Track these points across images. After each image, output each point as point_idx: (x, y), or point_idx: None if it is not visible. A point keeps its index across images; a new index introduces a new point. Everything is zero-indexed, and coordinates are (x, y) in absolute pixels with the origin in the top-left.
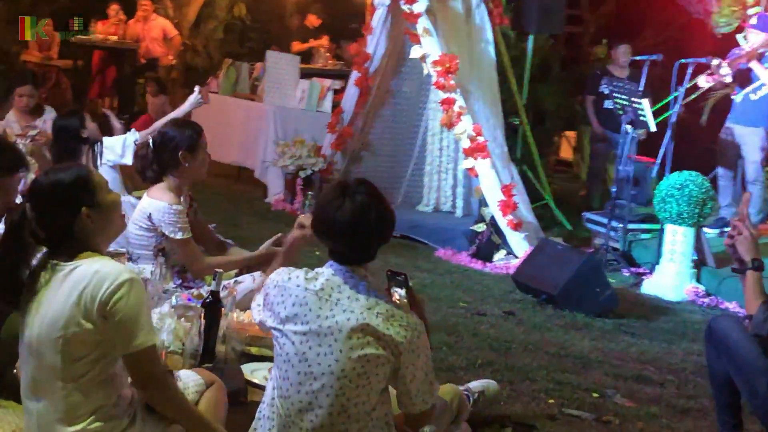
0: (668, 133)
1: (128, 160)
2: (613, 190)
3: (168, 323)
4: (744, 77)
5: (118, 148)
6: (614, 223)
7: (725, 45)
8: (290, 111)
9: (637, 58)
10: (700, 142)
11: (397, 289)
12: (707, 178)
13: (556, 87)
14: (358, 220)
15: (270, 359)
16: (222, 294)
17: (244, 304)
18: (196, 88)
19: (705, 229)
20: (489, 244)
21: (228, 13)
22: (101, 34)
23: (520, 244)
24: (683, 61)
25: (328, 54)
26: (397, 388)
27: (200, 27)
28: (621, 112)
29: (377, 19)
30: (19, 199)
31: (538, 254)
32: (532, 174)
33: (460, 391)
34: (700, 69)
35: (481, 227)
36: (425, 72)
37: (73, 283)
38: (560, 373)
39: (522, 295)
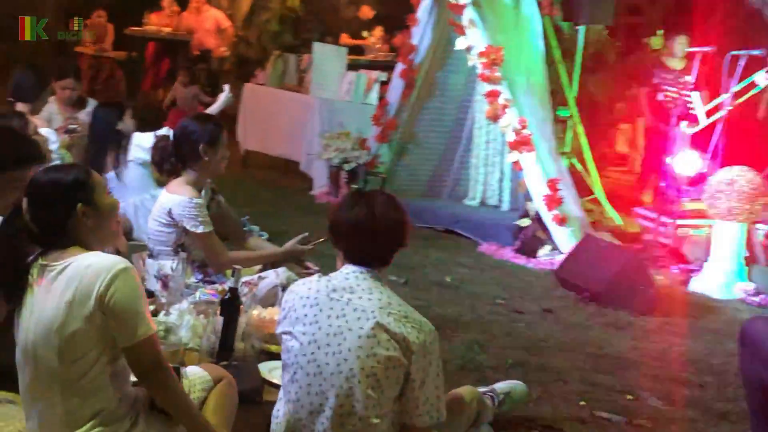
0: (719, 127)
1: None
2: (662, 184)
3: (187, 320)
4: None
5: (146, 145)
6: (664, 219)
7: None
8: (336, 103)
9: (691, 49)
10: (755, 136)
11: None
12: (760, 173)
13: (610, 79)
14: (371, 221)
15: None
16: (242, 290)
17: (268, 300)
18: (226, 87)
19: (757, 225)
20: (534, 239)
21: (282, 5)
22: (155, 25)
23: (565, 240)
24: (734, 53)
25: (379, 45)
26: (404, 394)
27: (253, 18)
28: (671, 105)
29: (423, 10)
30: None
31: (581, 250)
32: (582, 168)
33: (479, 393)
34: (754, 61)
35: (525, 222)
36: (470, 63)
37: (66, 282)
38: (594, 373)
39: (564, 293)
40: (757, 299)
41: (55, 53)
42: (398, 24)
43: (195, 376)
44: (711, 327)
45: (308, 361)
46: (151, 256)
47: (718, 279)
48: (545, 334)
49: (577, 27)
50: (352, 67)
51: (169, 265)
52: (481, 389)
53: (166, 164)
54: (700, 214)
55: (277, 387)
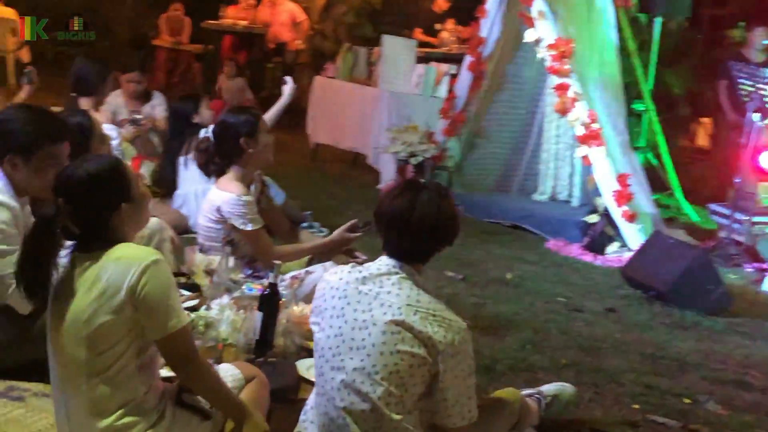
0: None
1: None
2: (737, 180)
3: (227, 315)
4: None
5: None
6: (738, 215)
7: None
8: (404, 96)
9: None
10: None
11: None
12: None
13: (687, 72)
14: (409, 215)
15: None
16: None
17: (313, 296)
18: (289, 79)
19: None
20: (602, 235)
21: None
22: (231, 19)
23: (635, 237)
24: None
25: (453, 38)
26: (432, 394)
27: (330, 11)
28: (747, 99)
29: (492, 2)
30: None
31: (648, 247)
32: (657, 162)
33: (521, 396)
34: None
35: (594, 218)
36: (539, 56)
37: (97, 273)
38: (651, 376)
39: (630, 291)
40: None
41: (135, 47)
42: (472, 16)
43: (227, 373)
44: None
45: (333, 354)
46: (201, 250)
47: None
48: (604, 334)
49: (654, 18)
50: (423, 59)
51: (217, 260)
52: (527, 391)
53: (211, 165)
54: None
55: (314, 385)
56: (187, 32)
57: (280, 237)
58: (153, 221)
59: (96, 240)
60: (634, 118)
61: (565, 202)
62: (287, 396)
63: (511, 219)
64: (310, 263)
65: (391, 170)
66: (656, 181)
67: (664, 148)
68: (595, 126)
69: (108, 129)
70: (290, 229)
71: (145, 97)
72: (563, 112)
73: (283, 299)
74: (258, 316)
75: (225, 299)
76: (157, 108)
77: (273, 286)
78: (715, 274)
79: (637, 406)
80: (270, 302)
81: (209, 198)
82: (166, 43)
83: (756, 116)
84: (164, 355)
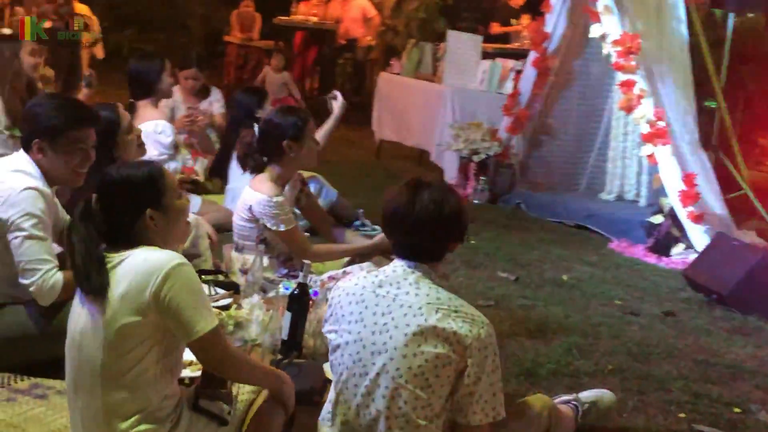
0: None
1: None
2: None
3: (256, 314)
4: None
5: None
6: None
7: None
8: (469, 92)
9: None
10: None
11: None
12: None
13: (763, 69)
14: (412, 211)
15: None
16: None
17: None
18: (338, 94)
19: None
20: (667, 237)
21: None
22: (303, 15)
23: (701, 238)
24: None
25: (525, 34)
26: (457, 390)
27: (402, 7)
28: None
29: None
30: None
31: (712, 249)
32: (729, 162)
33: (552, 403)
34: None
35: (658, 219)
36: (604, 52)
37: (121, 275)
38: (701, 383)
39: (692, 294)
40: None
41: (207, 42)
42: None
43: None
44: None
45: (354, 361)
46: (236, 249)
47: None
48: (657, 339)
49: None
50: (492, 55)
51: (251, 259)
52: (564, 397)
53: (250, 160)
54: None
55: None
56: (257, 28)
57: (322, 235)
58: (190, 218)
59: (120, 241)
60: (706, 116)
61: (633, 201)
62: (312, 398)
63: (575, 219)
64: (350, 263)
65: (454, 168)
66: (729, 181)
67: (736, 147)
68: (661, 124)
69: (163, 126)
70: (334, 228)
71: (203, 94)
72: (628, 109)
73: (312, 299)
74: (287, 316)
75: (255, 299)
76: (215, 104)
77: (302, 286)
78: None
79: (683, 415)
80: (299, 302)
81: (243, 197)
82: (236, 39)
83: None
84: (198, 358)
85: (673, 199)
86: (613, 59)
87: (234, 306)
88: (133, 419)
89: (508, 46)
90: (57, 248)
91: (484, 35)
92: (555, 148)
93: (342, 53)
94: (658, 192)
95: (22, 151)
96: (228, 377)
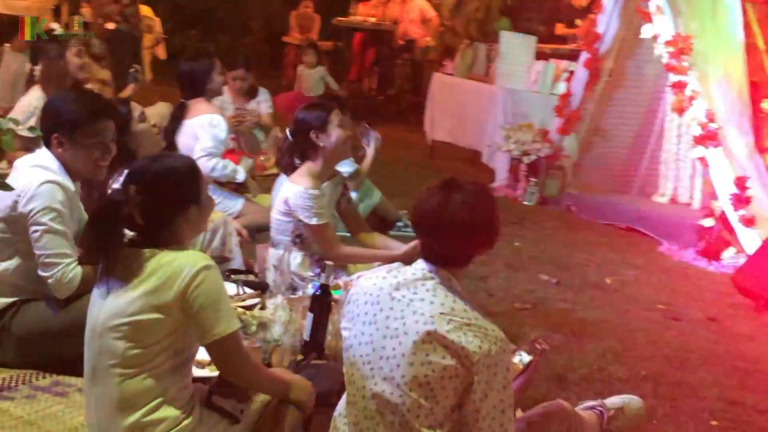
0: None
1: None
2: None
3: (279, 315)
4: None
5: None
6: None
7: None
8: (521, 93)
9: None
10: None
11: (523, 353)
12: None
13: None
14: (443, 214)
15: None
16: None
17: None
18: (374, 133)
19: None
20: (718, 240)
21: None
22: (361, 15)
23: (753, 242)
24: None
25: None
26: (464, 407)
27: (461, 8)
28: None
29: None
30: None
31: (761, 254)
32: None
33: (572, 410)
34: None
35: (709, 222)
36: (656, 53)
37: (148, 271)
38: (738, 391)
39: (740, 300)
40: None
41: (269, 43)
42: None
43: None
44: None
45: (364, 362)
46: (273, 245)
47: None
48: (696, 345)
49: None
50: (544, 56)
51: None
52: (589, 403)
53: (283, 160)
54: None
55: None
56: (316, 29)
57: (358, 240)
58: (218, 215)
59: (156, 235)
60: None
61: (686, 204)
62: (329, 400)
63: (626, 221)
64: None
65: (504, 169)
66: None
67: None
68: (712, 126)
69: (218, 121)
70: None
71: (250, 94)
72: (680, 111)
73: (334, 301)
74: (309, 317)
75: (278, 299)
76: (263, 104)
77: (324, 287)
78: None
79: (715, 423)
80: (321, 303)
81: (281, 190)
82: (295, 40)
83: None
84: (212, 358)
85: (724, 203)
86: (665, 60)
87: (258, 306)
88: (149, 406)
89: (564, 46)
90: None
91: (547, 36)
92: (608, 149)
93: (400, 54)
94: (711, 195)
95: (44, 147)
96: (239, 382)
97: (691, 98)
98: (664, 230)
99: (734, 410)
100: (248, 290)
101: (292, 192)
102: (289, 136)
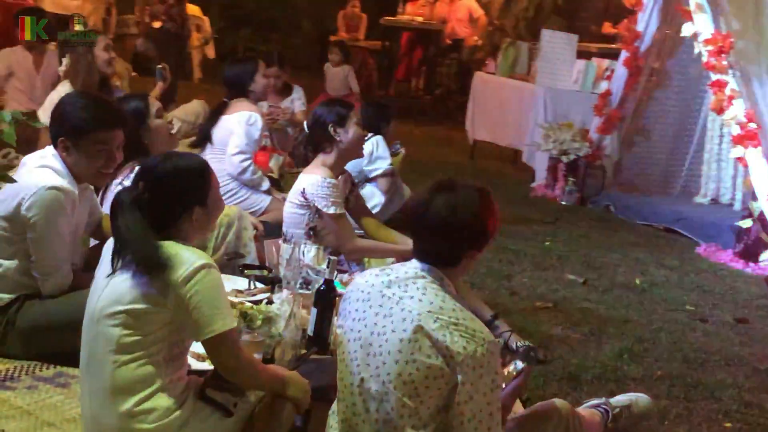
0: None
1: None
2: None
3: (284, 309)
4: None
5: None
6: None
7: None
8: (562, 92)
9: None
10: None
11: (518, 362)
12: None
13: None
14: (424, 215)
15: None
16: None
17: None
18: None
19: None
20: (756, 242)
21: None
22: (409, 15)
23: None
24: None
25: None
26: (450, 408)
27: (511, 7)
28: None
29: None
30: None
31: None
32: None
33: (570, 408)
34: None
35: (748, 223)
36: (696, 51)
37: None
38: (756, 393)
39: None
40: None
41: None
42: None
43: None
44: None
45: (352, 359)
46: (284, 240)
47: None
48: (719, 346)
49: None
50: (587, 55)
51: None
52: (593, 401)
53: (297, 151)
54: None
55: None
56: (363, 29)
57: (370, 236)
58: (233, 210)
59: (160, 232)
60: None
61: (728, 205)
62: (328, 395)
63: (664, 222)
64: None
65: (544, 168)
66: None
67: None
68: (752, 126)
69: (255, 119)
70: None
71: (285, 91)
72: (719, 110)
73: (338, 296)
74: (313, 312)
75: (284, 293)
76: (296, 102)
77: (328, 282)
78: None
79: (729, 425)
80: (325, 298)
81: (296, 183)
82: (342, 39)
83: None
84: (208, 354)
85: (763, 203)
86: (705, 59)
87: (265, 301)
88: (142, 394)
89: (608, 45)
90: (93, 241)
91: (599, 36)
92: (650, 149)
93: (448, 53)
94: (752, 196)
95: (50, 146)
96: (237, 382)
97: (731, 97)
98: (703, 231)
99: (750, 412)
100: (260, 285)
101: (309, 182)
102: (306, 129)
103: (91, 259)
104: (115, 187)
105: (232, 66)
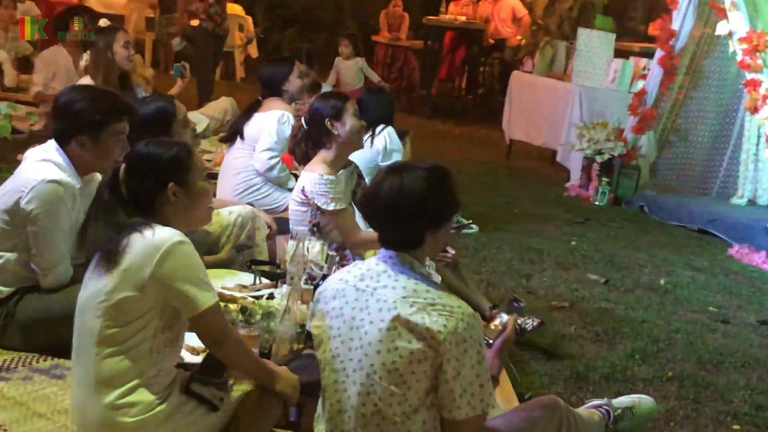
0: None
1: None
2: None
3: (283, 304)
4: None
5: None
6: None
7: None
8: (598, 91)
9: None
10: None
11: (503, 315)
12: None
13: None
14: (374, 200)
15: None
16: None
17: None
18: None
19: None
20: None
21: None
22: (452, 14)
23: None
24: None
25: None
26: (439, 387)
27: (555, 7)
28: None
29: None
30: None
31: None
32: None
33: (561, 405)
34: None
35: None
36: (730, 50)
37: (124, 250)
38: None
39: None
40: None
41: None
42: None
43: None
44: None
45: (333, 356)
46: (292, 237)
47: None
48: (738, 348)
49: None
50: (625, 54)
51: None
52: (595, 402)
53: (298, 149)
54: None
55: None
56: (405, 28)
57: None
58: (247, 209)
59: (141, 214)
60: None
61: (766, 207)
62: (313, 391)
63: (698, 223)
64: None
65: (579, 168)
66: None
67: None
68: None
69: (287, 118)
70: None
71: (313, 89)
72: (753, 109)
73: None
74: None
75: (284, 288)
76: None
77: (326, 278)
78: None
79: (737, 427)
80: None
81: (297, 181)
82: (384, 38)
83: None
84: (199, 335)
85: None
86: (739, 57)
87: (266, 296)
88: (124, 388)
89: (649, 44)
90: None
91: (646, 35)
92: (687, 149)
93: (490, 53)
94: None
95: (53, 141)
96: (224, 359)
97: (765, 97)
98: (737, 233)
99: (760, 415)
100: (265, 280)
101: (308, 180)
102: (304, 125)
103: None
104: None
105: (268, 65)
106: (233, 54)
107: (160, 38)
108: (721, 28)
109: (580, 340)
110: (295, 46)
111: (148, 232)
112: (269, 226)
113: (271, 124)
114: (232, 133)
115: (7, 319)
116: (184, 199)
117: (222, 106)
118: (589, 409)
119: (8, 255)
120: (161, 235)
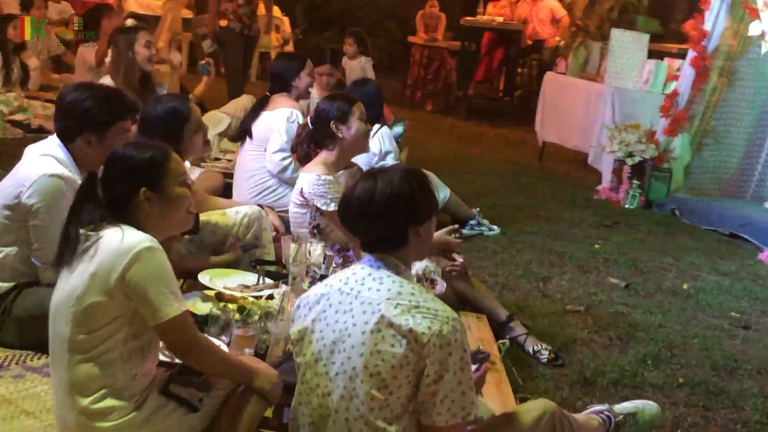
0: None
1: None
2: None
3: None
4: None
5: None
6: None
7: None
8: (631, 93)
9: None
10: None
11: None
12: None
13: None
14: (349, 205)
15: None
16: None
17: None
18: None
19: None
20: None
21: None
22: (491, 15)
23: None
24: None
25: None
26: (420, 391)
27: (595, 8)
28: None
29: None
30: None
31: None
32: None
33: (555, 409)
34: None
35: None
36: (763, 50)
37: (93, 253)
38: None
39: None
40: None
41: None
42: None
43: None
44: None
45: (316, 360)
46: (293, 240)
47: None
48: (756, 355)
49: None
50: (659, 55)
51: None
52: (595, 408)
53: (300, 149)
54: None
55: None
56: (441, 29)
57: None
58: (254, 209)
59: (116, 217)
60: None
61: None
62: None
63: (730, 227)
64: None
65: (610, 171)
66: None
67: None
68: None
69: (296, 116)
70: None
71: (337, 89)
72: None
73: None
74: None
75: (282, 289)
76: None
77: (323, 279)
78: None
79: None
80: None
81: (296, 183)
82: (420, 39)
83: None
84: (165, 342)
85: None
86: None
87: (265, 296)
88: (96, 395)
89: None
90: None
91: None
92: (720, 152)
93: (528, 54)
94: None
95: (54, 136)
96: (195, 366)
97: None
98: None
99: None
100: (268, 281)
101: (307, 181)
102: (309, 125)
103: None
104: None
105: (279, 60)
106: (269, 55)
107: (195, 39)
108: (754, 29)
109: (591, 344)
110: (333, 48)
111: (116, 236)
112: (276, 229)
113: (281, 123)
114: (240, 132)
115: (4, 316)
116: (158, 204)
117: (243, 104)
118: (589, 415)
119: (8, 250)
120: (130, 240)
